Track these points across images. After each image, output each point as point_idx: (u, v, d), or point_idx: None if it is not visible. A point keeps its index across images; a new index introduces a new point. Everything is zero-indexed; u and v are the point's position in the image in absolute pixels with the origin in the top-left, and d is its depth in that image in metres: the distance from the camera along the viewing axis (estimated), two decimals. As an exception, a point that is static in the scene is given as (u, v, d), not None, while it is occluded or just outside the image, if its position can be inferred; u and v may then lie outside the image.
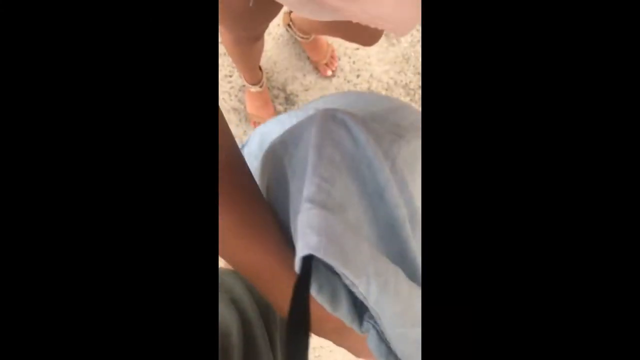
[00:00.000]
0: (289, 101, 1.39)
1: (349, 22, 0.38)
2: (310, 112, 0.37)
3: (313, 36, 1.29)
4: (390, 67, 1.40)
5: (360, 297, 0.27)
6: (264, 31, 0.90)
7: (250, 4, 0.52)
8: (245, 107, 1.34)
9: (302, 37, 1.29)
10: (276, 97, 1.38)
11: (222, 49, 1.26)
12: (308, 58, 1.37)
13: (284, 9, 1.24)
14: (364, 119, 0.35)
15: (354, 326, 0.30)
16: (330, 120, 0.33)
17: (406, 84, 1.40)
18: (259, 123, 1.34)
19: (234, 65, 1.28)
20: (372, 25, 0.29)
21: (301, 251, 0.26)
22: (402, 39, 1.40)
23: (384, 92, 1.40)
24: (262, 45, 1.06)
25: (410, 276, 0.31)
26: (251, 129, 1.35)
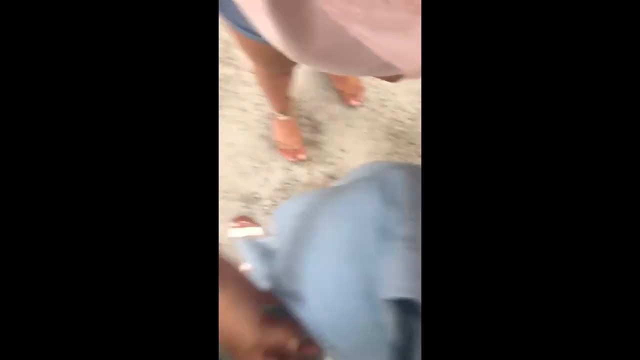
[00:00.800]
0: (315, 130, 1.42)
1: None
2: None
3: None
4: (415, 98, 1.43)
5: None
6: (294, 67, 0.95)
7: None
8: (272, 134, 1.39)
9: (329, 69, 1.33)
10: (303, 125, 1.42)
11: (253, 79, 1.32)
12: (334, 88, 1.42)
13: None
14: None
15: None
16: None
17: (430, 114, 1.42)
18: (285, 150, 1.38)
19: (263, 94, 1.33)
20: (389, 60, 0.32)
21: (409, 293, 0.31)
22: (427, 71, 1.42)
23: (408, 122, 1.42)
24: (292, 78, 1.11)
25: None
26: (278, 155, 1.39)
